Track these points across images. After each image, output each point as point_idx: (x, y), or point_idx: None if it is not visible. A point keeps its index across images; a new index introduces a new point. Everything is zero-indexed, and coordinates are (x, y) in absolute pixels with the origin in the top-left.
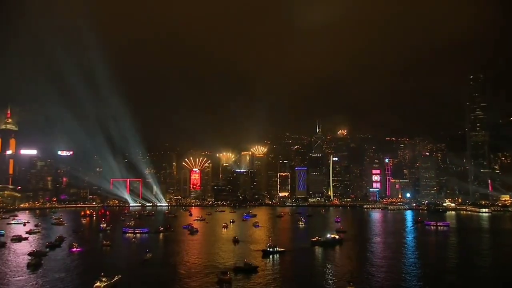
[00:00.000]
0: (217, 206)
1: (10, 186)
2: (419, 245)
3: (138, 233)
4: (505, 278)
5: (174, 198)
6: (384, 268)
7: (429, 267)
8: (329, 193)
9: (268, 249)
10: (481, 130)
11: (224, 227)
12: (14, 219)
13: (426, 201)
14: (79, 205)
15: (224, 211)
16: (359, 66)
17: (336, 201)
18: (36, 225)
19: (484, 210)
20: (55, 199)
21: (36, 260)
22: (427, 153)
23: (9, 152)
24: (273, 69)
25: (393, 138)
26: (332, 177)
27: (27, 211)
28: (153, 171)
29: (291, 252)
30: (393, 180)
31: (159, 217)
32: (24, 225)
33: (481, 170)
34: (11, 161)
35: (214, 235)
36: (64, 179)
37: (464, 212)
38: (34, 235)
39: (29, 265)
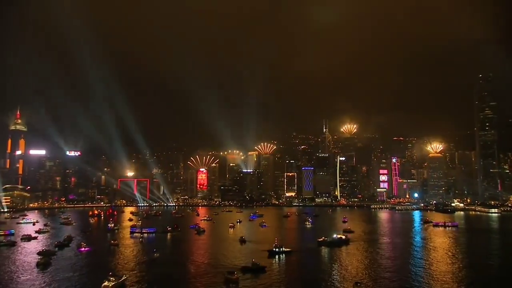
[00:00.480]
0: (224, 206)
1: (20, 186)
2: (427, 246)
3: (145, 233)
4: None
5: (181, 198)
6: (392, 268)
7: (437, 267)
8: (336, 193)
9: (274, 249)
10: (490, 130)
11: (231, 227)
12: (24, 218)
13: (434, 201)
14: (87, 205)
15: (231, 211)
16: (367, 66)
17: (343, 201)
18: (45, 225)
19: (493, 210)
20: (63, 199)
21: (45, 259)
22: (436, 153)
23: (18, 152)
24: (280, 69)
25: (401, 138)
26: (339, 177)
27: (36, 211)
28: (160, 171)
29: (297, 252)
30: (400, 180)
31: (166, 217)
32: (34, 224)
33: (490, 170)
34: (21, 161)
35: (221, 235)
36: (73, 179)
37: (473, 212)
38: (43, 235)
39: (38, 264)
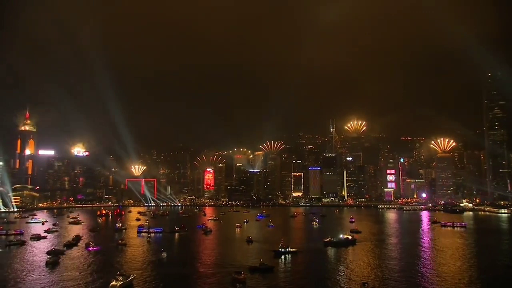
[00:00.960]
0: (230, 206)
1: (29, 186)
2: (435, 246)
3: (152, 232)
4: None
5: (188, 198)
6: (399, 269)
7: (445, 268)
8: (343, 193)
9: (280, 249)
10: (499, 129)
11: (238, 227)
12: (33, 218)
13: (443, 202)
14: (95, 205)
15: (238, 211)
16: (374, 65)
17: (350, 201)
18: (54, 224)
19: (503, 210)
20: (72, 198)
21: (54, 259)
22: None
23: (28, 152)
24: (287, 69)
25: (408, 138)
26: (346, 177)
27: (45, 211)
28: (168, 171)
29: (304, 253)
30: (408, 180)
31: (174, 217)
32: (43, 224)
33: (500, 170)
34: (30, 161)
35: (228, 235)
36: (81, 179)
37: (482, 212)
38: (52, 234)
39: (47, 263)
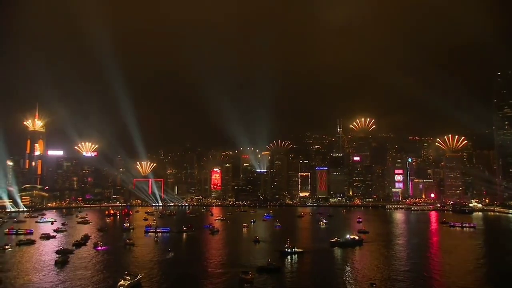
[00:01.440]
0: (237, 206)
1: (39, 186)
2: (444, 247)
3: (159, 232)
4: None
5: (195, 198)
6: (407, 270)
7: (454, 269)
8: (351, 193)
9: (286, 249)
10: (509, 128)
11: (245, 227)
12: (42, 217)
13: (451, 202)
14: (103, 205)
15: (245, 211)
16: (382, 65)
17: (357, 202)
18: (63, 224)
19: None
20: (80, 198)
21: (63, 258)
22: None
23: (37, 153)
24: (295, 69)
25: (416, 137)
26: (354, 177)
27: (54, 210)
28: (175, 171)
29: (310, 253)
30: (416, 180)
31: (181, 217)
32: (52, 223)
33: (510, 170)
34: (39, 161)
35: (235, 235)
36: (89, 179)
37: (492, 213)
38: (61, 233)
39: (56, 263)
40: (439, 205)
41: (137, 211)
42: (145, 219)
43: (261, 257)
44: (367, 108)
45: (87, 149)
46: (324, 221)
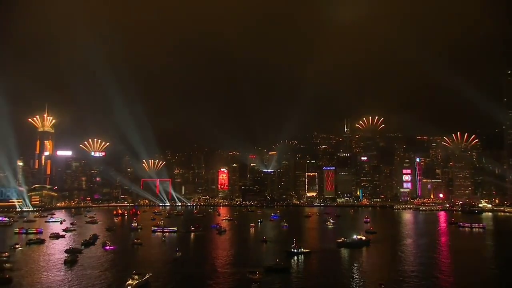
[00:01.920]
0: (245, 206)
1: (48, 186)
2: (453, 248)
3: (167, 232)
4: None
5: (202, 198)
6: (415, 271)
7: (463, 270)
8: (358, 193)
9: (292, 250)
10: None
11: (252, 227)
12: (52, 217)
13: (461, 202)
14: (112, 204)
15: (252, 211)
16: (390, 64)
17: (365, 202)
18: (72, 223)
19: None
20: (89, 198)
21: (72, 257)
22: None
23: (46, 153)
24: (302, 69)
25: (425, 137)
26: (361, 177)
27: (63, 210)
28: (182, 172)
29: (316, 253)
30: (424, 180)
31: (188, 217)
32: (61, 223)
33: None
34: (49, 162)
35: (242, 235)
36: (97, 179)
37: (502, 213)
38: (70, 233)
39: (66, 262)
40: (448, 205)
41: (145, 211)
42: (153, 219)
43: (268, 257)
44: (375, 107)
45: (96, 148)
46: (332, 221)
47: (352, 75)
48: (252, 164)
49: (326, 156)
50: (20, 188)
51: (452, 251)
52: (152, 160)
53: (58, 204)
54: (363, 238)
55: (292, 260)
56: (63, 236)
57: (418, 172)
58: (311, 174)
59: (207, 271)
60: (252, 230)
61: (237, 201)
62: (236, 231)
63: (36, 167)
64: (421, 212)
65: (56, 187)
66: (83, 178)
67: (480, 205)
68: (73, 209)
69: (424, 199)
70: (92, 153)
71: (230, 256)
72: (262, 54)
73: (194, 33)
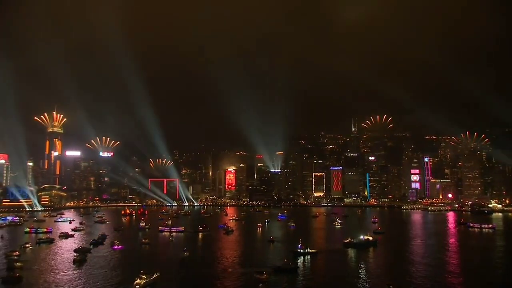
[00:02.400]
0: (252, 206)
1: (57, 186)
2: (462, 249)
3: (174, 232)
4: None
5: (209, 198)
6: (423, 272)
7: (472, 271)
8: (366, 193)
9: (298, 250)
10: None
11: (259, 227)
12: (61, 217)
13: (470, 202)
14: (120, 204)
15: (259, 211)
16: (399, 63)
17: (373, 202)
18: (80, 223)
19: None
20: (97, 198)
21: (81, 256)
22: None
23: (55, 153)
24: (309, 68)
25: (433, 137)
26: (369, 177)
27: (72, 210)
28: (190, 172)
29: (323, 254)
30: (433, 180)
31: (195, 217)
32: (70, 222)
33: None
34: (58, 162)
35: (249, 235)
36: (106, 179)
37: None
38: (79, 232)
39: (75, 261)
40: (457, 205)
41: (152, 211)
42: (161, 219)
43: (275, 257)
44: (383, 107)
45: (105, 144)
46: (339, 221)
47: (360, 74)
48: (259, 164)
49: (333, 156)
50: (30, 188)
51: (461, 251)
52: (160, 160)
53: (67, 204)
54: (370, 238)
55: (298, 261)
56: (72, 236)
57: (426, 172)
58: (319, 174)
59: (214, 271)
60: (259, 230)
61: (244, 201)
62: (243, 231)
63: (46, 167)
64: (429, 212)
65: (65, 187)
66: (92, 178)
67: (490, 205)
68: (81, 209)
69: (433, 199)
70: (100, 153)
71: (237, 256)
72: (269, 53)
73: (203, 32)
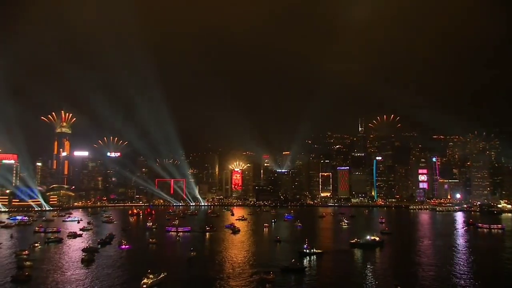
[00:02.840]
0: (258, 206)
1: (66, 186)
2: (471, 249)
3: (181, 231)
4: None
5: (216, 198)
6: (431, 273)
7: (481, 273)
8: (373, 194)
9: (304, 250)
10: None
11: (265, 227)
12: (69, 216)
13: (479, 202)
14: (127, 204)
15: (266, 211)
16: (406, 62)
17: (380, 202)
18: (88, 223)
19: None
20: (105, 198)
21: (89, 256)
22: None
23: (64, 154)
24: (316, 68)
25: (441, 136)
26: (376, 177)
27: (80, 210)
28: (196, 171)
29: (329, 254)
30: (441, 180)
31: (202, 217)
32: (78, 222)
33: None
34: (66, 162)
35: (256, 235)
36: (113, 179)
37: None
38: (87, 232)
39: (83, 260)
40: (465, 205)
41: (160, 211)
42: (167, 219)
43: (282, 257)
44: (390, 107)
45: (114, 143)
46: (346, 221)
47: (367, 74)
48: (266, 164)
49: (340, 156)
50: (39, 188)
51: (470, 252)
52: (167, 160)
53: (75, 204)
54: (377, 238)
55: (304, 261)
56: (80, 235)
57: (434, 172)
58: (325, 174)
59: (221, 271)
60: (266, 230)
61: (251, 201)
62: (250, 231)
63: (54, 167)
64: (437, 212)
65: (73, 187)
66: (99, 178)
67: (499, 205)
68: (89, 209)
69: (441, 199)
70: (108, 154)
71: (244, 256)
72: (275, 54)
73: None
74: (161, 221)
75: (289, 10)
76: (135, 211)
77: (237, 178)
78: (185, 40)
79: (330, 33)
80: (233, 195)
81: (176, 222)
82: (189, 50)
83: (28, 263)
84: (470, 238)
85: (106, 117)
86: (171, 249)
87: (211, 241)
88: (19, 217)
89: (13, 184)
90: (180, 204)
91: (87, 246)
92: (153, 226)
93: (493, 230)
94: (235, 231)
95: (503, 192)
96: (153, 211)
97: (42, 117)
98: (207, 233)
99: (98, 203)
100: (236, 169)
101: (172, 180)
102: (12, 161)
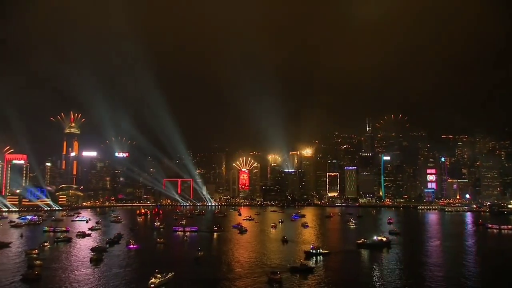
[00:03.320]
0: (265, 206)
1: (74, 186)
2: (480, 250)
3: (188, 231)
4: None
5: (223, 198)
6: (440, 275)
7: (492, 274)
8: (380, 194)
9: (311, 250)
10: None
11: (273, 227)
12: (78, 216)
13: (488, 203)
14: (135, 204)
15: (275, 211)
16: (414, 61)
17: (388, 202)
18: (97, 222)
19: None
20: (113, 198)
21: (97, 255)
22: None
23: (72, 154)
24: (324, 69)
25: (450, 136)
26: (384, 176)
27: (88, 209)
28: (203, 172)
29: (336, 254)
30: (450, 180)
31: (209, 217)
32: (87, 222)
33: None
34: (75, 162)
35: (263, 235)
36: (121, 179)
37: None
38: (96, 232)
39: (91, 260)
40: (475, 206)
41: (167, 210)
42: (175, 218)
43: (289, 257)
44: (398, 106)
45: (122, 141)
46: (353, 221)
47: (373, 73)
48: (273, 164)
49: (347, 156)
50: (48, 188)
51: (480, 253)
52: (174, 160)
53: (84, 204)
54: (384, 239)
55: (311, 261)
56: (89, 235)
57: (443, 172)
58: (333, 174)
59: (228, 271)
60: (273, 230)
61: (258, 201)
62: (257, 231)
63: (63, 167)
64: (446, 213)
65: (82, 187)
66: (108, 178)
67: (509, 206)
68: (98, 209)
69: (450, 199)
70: (116, 154)
71: (251, 255)
72: (281, 53)
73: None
74: (168, 221)
75: (294, 12)
76: (142, 211)
77: (244, 178)
78: (189, 38)
79: (339, 32)
80: (240, 195)
81: (184, 222)
82: (195, 51)
83: (38, 262)
84: (480, 238)
85: (115, 118)
86: (178, 249)
87: (218, 241)
88: (29, 217)
89: (23, 184)
90: (187, 204)
91: (95, 246)
92: (160, 226)
93: (503, 230)
94: (242, 231)
95: None
96: (160, 211)
97: (51, 118)
98: (215, 233)
99: (106, 203)
100: (243, 169)
101: (180, 180)
102: (22, 162)
